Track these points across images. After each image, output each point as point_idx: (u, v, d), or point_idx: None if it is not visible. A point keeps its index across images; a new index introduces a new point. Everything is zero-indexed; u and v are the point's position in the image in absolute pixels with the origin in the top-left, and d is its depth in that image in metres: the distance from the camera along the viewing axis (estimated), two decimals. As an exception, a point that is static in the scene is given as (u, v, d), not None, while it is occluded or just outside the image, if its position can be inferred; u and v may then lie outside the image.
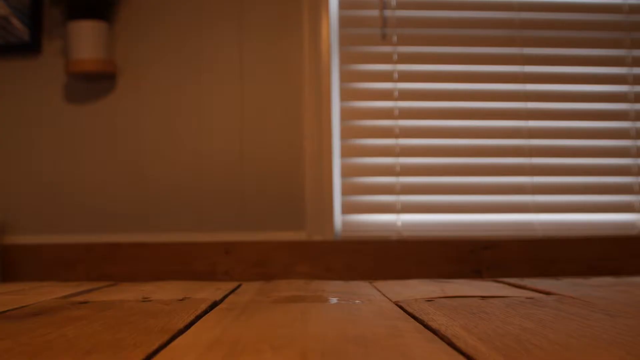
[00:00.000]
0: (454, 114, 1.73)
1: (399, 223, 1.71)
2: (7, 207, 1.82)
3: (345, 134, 1.75)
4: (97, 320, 0.47)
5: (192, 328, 0.43)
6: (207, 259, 1.80)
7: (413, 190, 1.72)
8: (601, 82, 1.80)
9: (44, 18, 1.82)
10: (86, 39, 1.72)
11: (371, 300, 0.60)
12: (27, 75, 1.82)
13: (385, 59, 1.75)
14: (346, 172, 1.74)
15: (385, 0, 1.79)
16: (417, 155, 1.73)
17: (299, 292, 0.66)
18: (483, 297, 0.62)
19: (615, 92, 1.81)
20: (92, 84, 1.82)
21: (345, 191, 1.74)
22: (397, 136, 1.73)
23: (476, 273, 1.54)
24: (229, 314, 0.50)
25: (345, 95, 1.76)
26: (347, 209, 1.73)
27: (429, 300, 0.59)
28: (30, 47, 1.80)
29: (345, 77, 1.77)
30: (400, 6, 1.78)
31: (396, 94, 1.74)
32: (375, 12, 1.78)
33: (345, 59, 1.77)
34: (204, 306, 0.54)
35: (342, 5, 1.80)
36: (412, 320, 0.47)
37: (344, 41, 1.78)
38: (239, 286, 0.74)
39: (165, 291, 0.69)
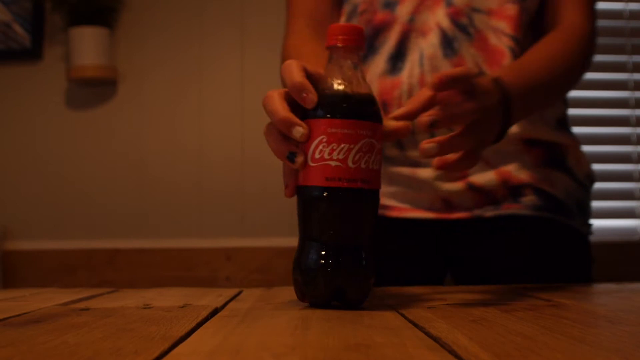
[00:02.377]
0: (455, 120, 1.73)
1: (400, 229, 1.71)
2: (8, 212, 1.82)
3: (346, 139, 1.76)
4: (98, 328, 0.47)
5: (193, 335, 0.43)
6: (209, 265, 1.80)
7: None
8: (602, 88, 1.80)
9: (46, 24, 1.82)
10: (87, 45, 1.72)
11: (372, 307, 0.60)
12: (28, 81, 1.82)
13: (386, 65, 1.76)
14: (347, 178, 1.74)
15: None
16: (418, 161, 1.73)
17: (299, 298, 0.65)
18: (484, 304, 0.62)
19: (616, 98, 1.81)
20: (93, 89, 1.82)
21: (346, 197, 1.74)
22: (398, 142, 1.73)
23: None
24: (230, 321, 0.50)
25: (346, 101, 1.77)
26: (348, 214, 1.74)
27: (430, 307, 0.59)
28: (32, 53, 1.80)
29: (346, 83, 1.77)
30: (401, 12, 1.78)
31: (397, 100, 1.75)
32: (376, 19, 1.78)
33: (346, 65, 1.78)
34: (205, 313, 0.54)
35: (343, 12, 1.81)
36: (414, 327, 0.47)
37: (344, 47, 1.79)
38: (240, 292, 0.74)
39: (166, 298, 0.69)
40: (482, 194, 0.94)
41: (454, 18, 0.92)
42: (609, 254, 1.69)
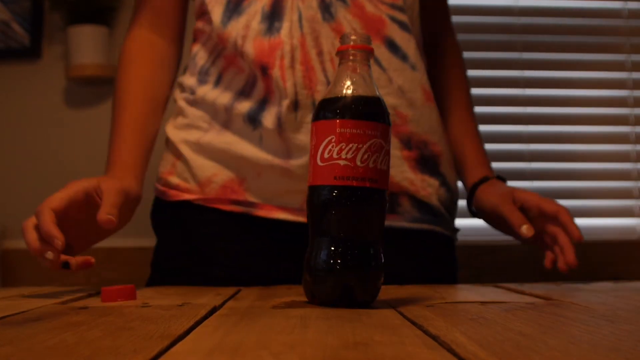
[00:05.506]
0: (454, 119, 1.73)
1: (399, 228, 1.71)
2: (8, 211, 1.82)
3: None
4: (97, 326, 0.47)
5: (192, 334, 0.43)
6: (207, 263, 1.80)
7: (413, 195, 1.72)
8: (600, 87, 1.80)
9: (45, 23, 1.82)
10: (87, 44, 1.72)
11: (371, 305, 0.60)
12: (27, 79, 1.82)
13: (385, 63, 1.76)
14: (346, 176, 1.74)
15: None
16: (417, 160, 1.73)
17: (298, 297, 0.66)
18: (483, 303, 0.62)
19: (615, 97, 1.81)
20: (93, 88, 1.82)
21: (345, 196, 1.74)
22: (397, 141, 1.73)
23: (476, 278, 1.54)
24: (229, 319, 0.50)
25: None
26: (347, 213, 1.73)
27: (429, 305, 0.59)
28: (31, 52, 1.80)
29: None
30: (400, 11, 1.78)
31: (396, 98, 1.75)
32: (375, 17, 1.78)
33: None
34: (203, 312, 0.54)
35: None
36: (412, 326, 0.47)
37: (344, 46, 1.79)
38: (238, 291, 0.74)
39: (164, 296, 0.69)
40: None
41: None
42: (607, 253, 1.69)
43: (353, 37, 0.61)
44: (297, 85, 0.85)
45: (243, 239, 0.92)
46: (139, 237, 1.81)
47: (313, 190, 0.60)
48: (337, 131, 0.58)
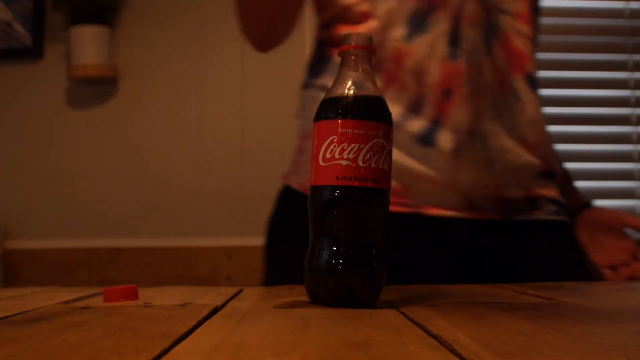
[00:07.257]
0: (456, 119, 1.73)
1: (401, 228, 1.71)
2: (9, 211, 1.82)
3: (347, 138, 1.75)
4: (99, 326, 0.47)
5: (194, 334, 0.43)
6: (209, 263, 1.80)
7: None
8: (603, 87, 1.80)
9: (46, 23, 1.82)
10: (88, 44, 1.72)
11: (372, 305, 0.60)
12: (29, 79, 1.82)
13: (387, 63, 1.75)
14: (348, 176, 1.74)
15: (387, 5, 1.79)
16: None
17: (300, 297, 0.66)
18: (485, 303, 0.62)
19: (617, 97, 1.81)
20: (94, 88, 1.82)
21: (347, 196, 1.74)
22: (398, 141, 1.73)
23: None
24: (231, 319, 0.50)
25: (347, 100, 1.76)
26: (349, 213, 1.73)
27: (431, 305, 0.59)
28: (33, 52, 1.80)
29: (347, 81, 1.77)
30: (401, 11, 1.78)
31: (398, 98, 1.74)
32: (376, 17, 1.78)
33: (346, 64, 1.77)
34: (205, 312, 0.54)
35: (343, 10, 1.80)
36: (414, 326, 0.47)
37: (345, 46, 1.79)
38: (240, 291, 0.74)
39: (166, 296, 0.69)
40: (505, 202, 0.93)
41: (487, 15, 0.91)
42: (609, 253, 1.69)
43: (355, 38, 0.61)
44: (473, 113, 0.88)
45: (409, 239, 0.92)
46: (143, 237, 1.81)
47: (315, 191, 0.60)
48: (339, 131, 0.58)
